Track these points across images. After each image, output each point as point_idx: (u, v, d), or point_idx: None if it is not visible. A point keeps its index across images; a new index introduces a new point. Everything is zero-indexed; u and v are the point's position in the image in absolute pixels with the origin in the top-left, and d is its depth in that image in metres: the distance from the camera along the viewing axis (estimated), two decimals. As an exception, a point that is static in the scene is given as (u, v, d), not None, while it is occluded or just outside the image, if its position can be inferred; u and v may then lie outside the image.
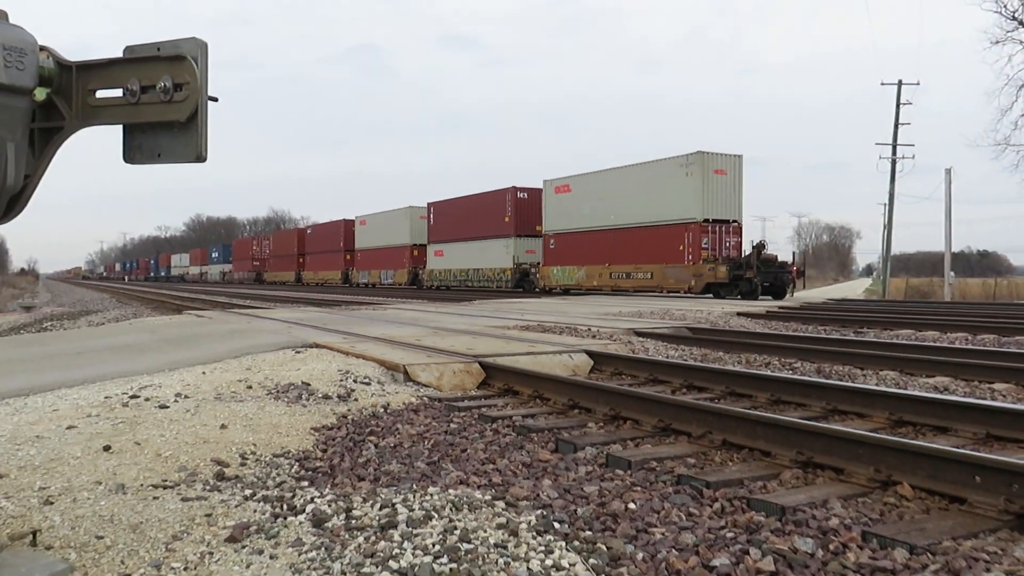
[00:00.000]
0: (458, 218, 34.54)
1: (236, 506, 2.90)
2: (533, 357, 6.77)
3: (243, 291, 38.30)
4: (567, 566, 2.38)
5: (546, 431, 4.37)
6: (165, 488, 3.13)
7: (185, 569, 2.35)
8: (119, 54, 2.18)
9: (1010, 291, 37.77)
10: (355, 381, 5.73)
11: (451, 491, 3.10)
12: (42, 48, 2.11)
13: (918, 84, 37.16)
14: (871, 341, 8.93)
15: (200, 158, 2.14)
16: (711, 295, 22.50)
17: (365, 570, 2.34)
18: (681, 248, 23.16)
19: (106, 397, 4.91)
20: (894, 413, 4.56)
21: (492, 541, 2.55)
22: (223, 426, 4.18)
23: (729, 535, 2.69)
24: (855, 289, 53.63)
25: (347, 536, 2.60)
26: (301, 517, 2.78)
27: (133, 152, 2.25)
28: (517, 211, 30.73)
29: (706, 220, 22.79)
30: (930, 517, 2.88)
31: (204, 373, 5.96)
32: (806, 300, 21.76)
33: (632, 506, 2.98)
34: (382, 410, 4.93)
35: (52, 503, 2.88)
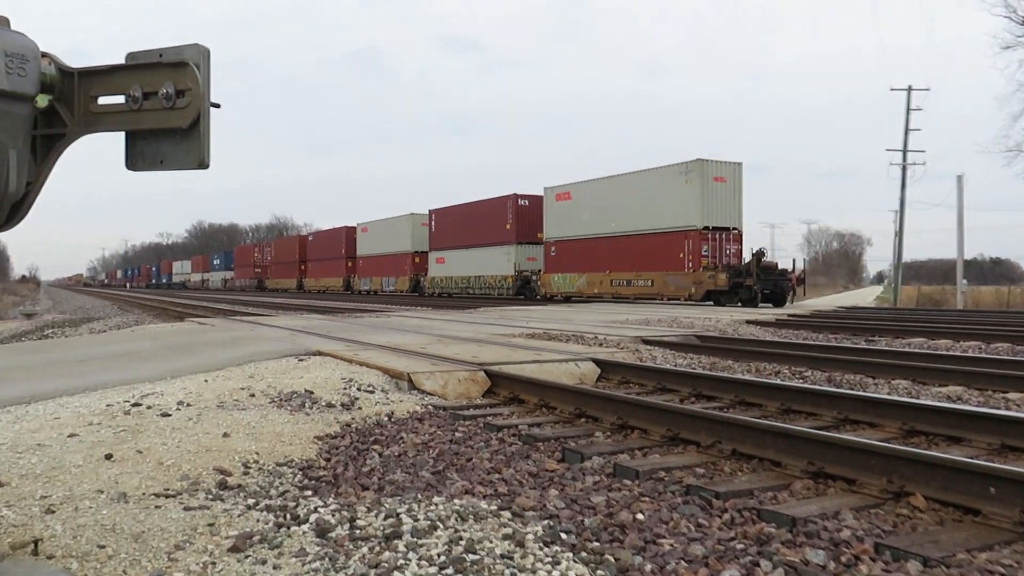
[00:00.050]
0: (460, 225, 34.72)
1: (239, 515, 2.90)
2: (539, 365, 6.76)
3: (245, 298, 38.40)
4: (574, 578, 2.37)
5: (552, 440, 4.36)
6: (167, 497, 3.14)
7: (187, 580, 2.34)
8: (121, 60, 2.19)
9: (1024, 299, 37.56)
10: (359, 389, 5.73)
11: (456, 501, 3.10)
12: (44, 54, 2.12)
13: (928, 90, 37.36)
14: (883, 350, 8.89)
15: (202, 165, 2.16)
16: (711, 302, 22.60)
17: (369, 581, 2.33)
18: (681, 255, 23.31)
19: (108, 405, 4.92)
20: (906, 423, 4.54)
21: (498, 552, 2.54)
22: (226, 434, 4.18)
23: (739, 546, 2.67)
24: (866, 297, 53.44)
25: (351, 546, 2.60)
26: (305, 527, 2.78)
27: (135, 159, 2.26)
28: (518, 218, 30.91)
29: (706, 228, 22.96)
30: (944, 529, 2.86)
31: (206, 381, 5.98)
32: (816, 308, 21.70)
33: (640, 517, 2.97)
34: (386, 419, 4.93)
35: (54, 512, 2.88)
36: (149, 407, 4.83)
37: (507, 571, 2.40)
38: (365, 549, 2.57)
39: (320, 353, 7.63)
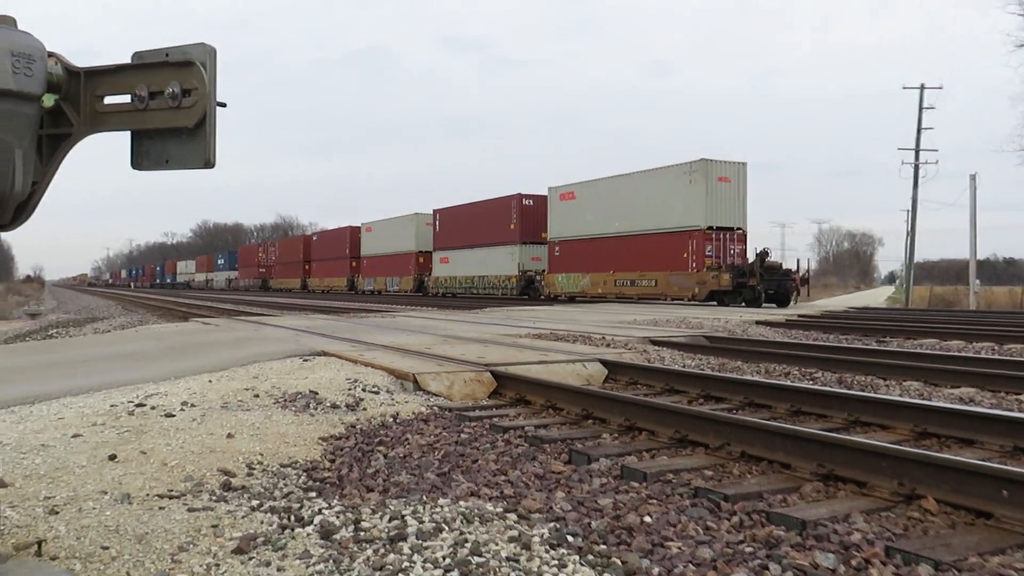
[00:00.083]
0: (464, 225, 34.84)
1: (243, 517, 2.92)
2: (546, 366, 6.77)
3: (249, 298, 38.54)
4: (580, 581, 2.38)
5: (559, 442, 4.36)
6: (171, 498, 3.15)
7: (191, 581, 2.36)
8: (127, 60, 2.21)
9: (1038, 299, 37.33)
10: (364, 390, 5.74)
11: (462, 503, 3.11)
12: (50, 54, 2.14)
13: (941, 88, 37.15)
14: (894, 351, 8.86)
15: (208, 164, 2.17)
16: (715, 303, 22.65)
17: (374, 583, 2.34)
18: (685, 256, 23.38)
19: (112, 405, 4.95)
20: (918, 425, 4.53)
21: (504, 555, 2.55)
22: (230, 435, 4.20)
23: (748, 550, 2.67)
24: (877, 297, 53.22)
25: (356, 548, 2.61)
26: (309, 528, 2.79)
27: (141, 158, 2.28)
28: (522, 218, 30.99)
29: (710, 228, 23.02)
30: (956, 532, 2.85)
31: (211, 381, 6.00)
32: (827, 308, 21.64)
33: (648, 519, 2.97)
34: (391, 420, 4.94)
35: (57, 513, 2.90)
36: (153, 408, 4.86)
37: (513, 574, 2.41)
38: (370, 551, 2.58)
39: (325, 353, 7.65)
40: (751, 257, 22.80)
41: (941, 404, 4.95)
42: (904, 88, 37.46)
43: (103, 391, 5.65)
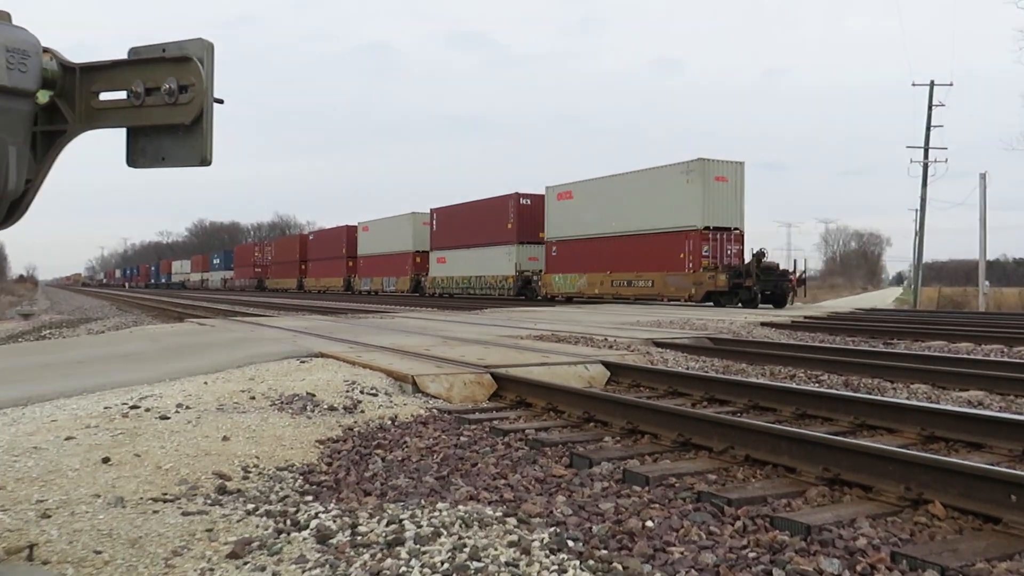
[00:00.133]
0: (461, 224, 34.95)
1: (238, 521, 2.92)
2: (547, 368, 6.77)
3: (245, 298, 38.57)
4: (581, 586, 2.38)
5: (560, 445, 4.37)
6: (165, 502, 3.16)
7: (186, 586, 2.36)
8: (123, 56, 2.21)
9: (1049, 301, 37.30)
10: (362, 392, 5.75)
11: (461, 507, 3.11)
12: (45, 50, 2.14)
13: (951, 85, 37.11)
14: (901, 353, 8.86)
15: (205, 162, 2.17)
16: (711, 303, 22.76)
17: (371, 588, 2.34)
18: (682, 256, 23.50)
19: (105, 407, 4.96)
20: (925, 428, 4.53)
21: (503, 560, 2.55)
22: (225, 438, 4.21)
23: (752, 555, 2.68)
24: (885, 298, 53.21)
25: (352, 553, 2.61)
26: (305, 533, 2.79)
27: (137, 156, 2.28)
28: (520, 218, 31.08)
29: (707, 228, 23.13)
30: (963, 538, 2.85)
31: (206, 383, 6.01)
32: (833, 309, 21.64)
33: (650, 524, 2.98)
34: (389, 422, 4.95)
35: (49, 516, 2.91)
36: (147, 410, 4.86)
37: (513, 579, 2.41)
38: (367, 556, 2.58)
39: (322, 355, 7.66)
40: (749, 258, 22.92)
41: (949, 407, 4.96)
42: (914, 85, 37.24)
43: (97, 393, 5.66)
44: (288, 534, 2.78)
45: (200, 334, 11.31)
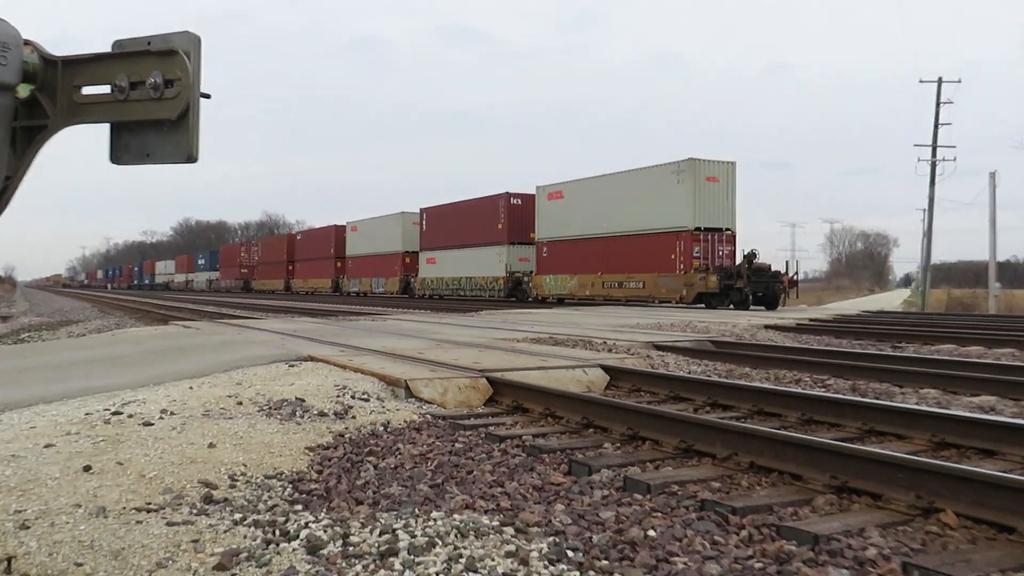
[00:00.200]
0: (451, 224, 35.09)
1: (225, 531, 2.91)
2: (544, 372, 6.77)
3: (231, 300, 38.51)
4: (582, 598, 2.38)
5: (558, 452, 4.36)
6: (149, 511, 3.14)
7: (171, 598, 2.35)
8: (107, 48, 2.20)
9: (1061, 303, 37.44)
10: (353, 397, 5.74)
11: (456, 516, 3.10)
12: (26, 42, 2.13)
13: (959, 81, 37.08)
14: (910, 357, 8.88)
15: (191, 158, 2.17)
16: (702, 305, 22.92)
17: (364, 601, 2.33)
18: (673, 257, 23.69)
19: (87, 414, 4.94)
20: (936, 435, 4.54)
21: (500, 570, 2.54)
22: (211, 445, 4.19)
23: (757, 565, 2.67)
24: (892, 300, 53.37)
25: (344, 564, 2.61)
26: (295, 543, 2.78)
27: (120, 152, 2.27)
28: (510, 218, 31.17)
29: (698, 228, 23.30)
30: (976, 548, 2.86)
31: (191, 388, 5.99)
32: (839, 312, 21.68)
33: (652, 533, 2.98)
34: (382, 428, 4.94)
35: (28, 527, 2.89)
36: (130, 416, 4.85)
37: (511, 591, 2.41)
38: (359, 567, 2.58)
39: (312, 358, 7.65)
40: (741, 259, 23.12)
41: (960, 413, 4.96)
42: (921, 82, 37.39)
43: (78, 398, 5.64)
44: (277, 545, 2.77)
45: (185, 337, 11.28)
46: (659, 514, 3.23)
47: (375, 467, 4.00)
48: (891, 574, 2.58)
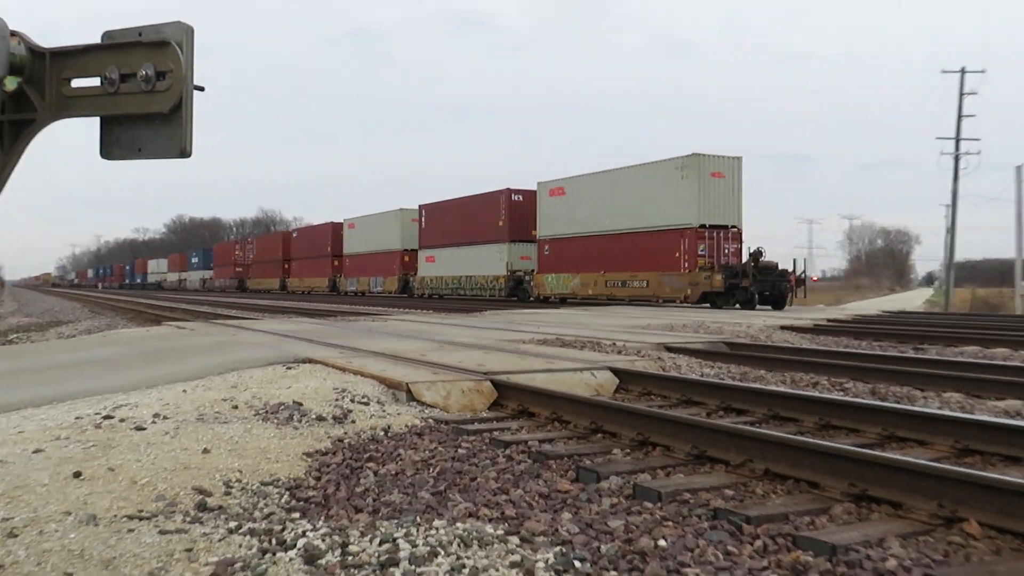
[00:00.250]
0: (450, 222, 35.15)
1: (219, 540, 2.92)
2: (551, 375, 6.77)
3: (226, 300, 38.61)
4: (589, 610, 2.37)
5: (566, 458, 4.36)
6: (141, 519, 3.15)
7: (164, 610, 2.36)
8: (97, 40, 2.21)
9: (1091, 303, 37.25)
10: (352, 400, 5.75)
11: (459, 525, 3.11)
12: (13, 33, 2.14)
13: (984, 71, 37.06)
14: (932, 359, 8.85)
15: (184, 153, 2.17)
16: (708, 304, 22.96)
17: (363, 613, 2.34)
18: (677, 255, 23.70)
19: (77, 418, 4.95)
20: (959, 441, 4.52)
21: (505, 581, 2.54)
22: (206, 450, 4.20)
23: (772, 577, 2.67)
24: (914, 300, 53.25)
25: (343, 575, 2.61)
26: (292, 553, 2.79)
27: (111, 147, 2.28)
28: (511, 215, 31.19)
29: (702, 226, 23.31)
30: (1001, 559, 2.85)
31: (185, 391, 6.01)
32: (858, 312, 21.63)
33: (662, 543, 2.97)
34: (382, 433, 4.95)
35: (16, 535, 2.90)
36: (122, 420, 4.86)
37: (515, 602, 2.40)
38: (359, 577, 2.58)
39: (310, 360, 7.66)
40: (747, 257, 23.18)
41: (984, 418, 4.95)
42: (943, 72, 37.33)
43: (68, 402, 5.66)
44: (273, 554, 2.78)
45: (178, 338, 11.31)
46: (670, 523, 3.23)
47: (375, 473, 4.00)
48: (912, 586, 2.57)
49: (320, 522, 3.19)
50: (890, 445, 4.73)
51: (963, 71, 36.45)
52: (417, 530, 3.01)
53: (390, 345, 9.38)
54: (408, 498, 3.57)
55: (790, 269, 23.02)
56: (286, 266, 55.87)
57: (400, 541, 2.87)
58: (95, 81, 2.20)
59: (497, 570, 2.63)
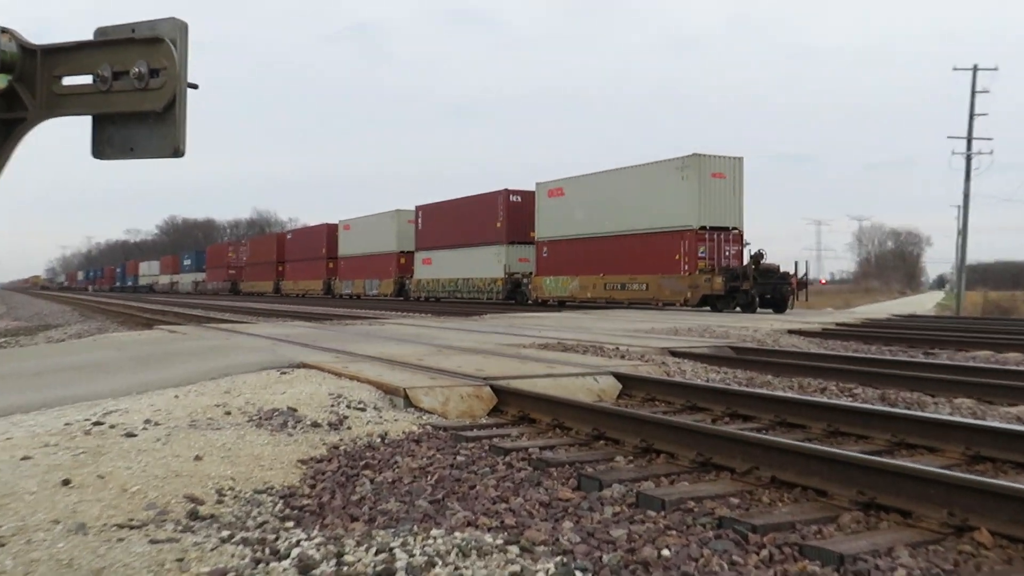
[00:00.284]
0: (447, 223, 35.20)
1: (212, 549, 2.92)
2: (552, 380, 6.77)
3: (219, 303, 38.64)
4: (591, 621, 2.38)
5: (567, 465, 4.36)
6: (131, 528, 3.16)
7: (155, 620, 2.36)
8: (89, 36, 2.22)
9: (1106, 306, 37.26)
10: (348, 406, 5.75)
11: (457, 534, 3.11)
12: (3, 30, 2.15)
13: (996, 69, 36.97)
14: (943, 364, 8.85)
15: (178, 152, 2.18)
16: (708, 308, 23.03)
17: (359, 624, 2.34)
18: (677, 257, 23.77)
19: (66, 424, 4.96)
20: (970, 447, 4.52)
21: (505, 592, 2.55)
22: (198, 457, 4.21)
23: (778, 587, 2.67)
24: (924, 303, 53.24)
25: (339, 584, 2.61)
26: (285, 563, 2.79)
27: (103, 146, 2.28)
28: (509, 216, 31.23)
29: (703, 227, 23.38)
30: (1013, 568, 2.85)
31: (177, 397, 6.01)
32: (868, 316, 21.64)
33: (666, 553, 2.97)
34: (379, 440, 4.95)
35: (3, 545, 2.91)
36: (112, 426, 4.87)
37: (515, 613, 2.41)
38: (355, 587, 2.58)
39: (305, 365, 7.67)
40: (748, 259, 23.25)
41: (996, 424, 4.95)
42: (955, 70, 37.25)
43: (57, 408, 5.66)
44: (267, 564, 2.78)
45: (170, 342, 11.31)
46: (674, 532, 3.23)
47: (371, 481, 4.01)
48: (922, 597, 2.57)
49: (315, 531, 3.19)
50: (900, 452, 4.73)
51: (975, 68, 36.46)
52: (414, 539, 3.02)
53: (387, 349, 9.38)
54: (405, 507, 3.58)
55: (792, 271, 23.08)
56: (280, 268, 55.90)
57: (397, 551, 2.88)
58: (87, 79, 2.21)
59: (496, 580, 2.63)
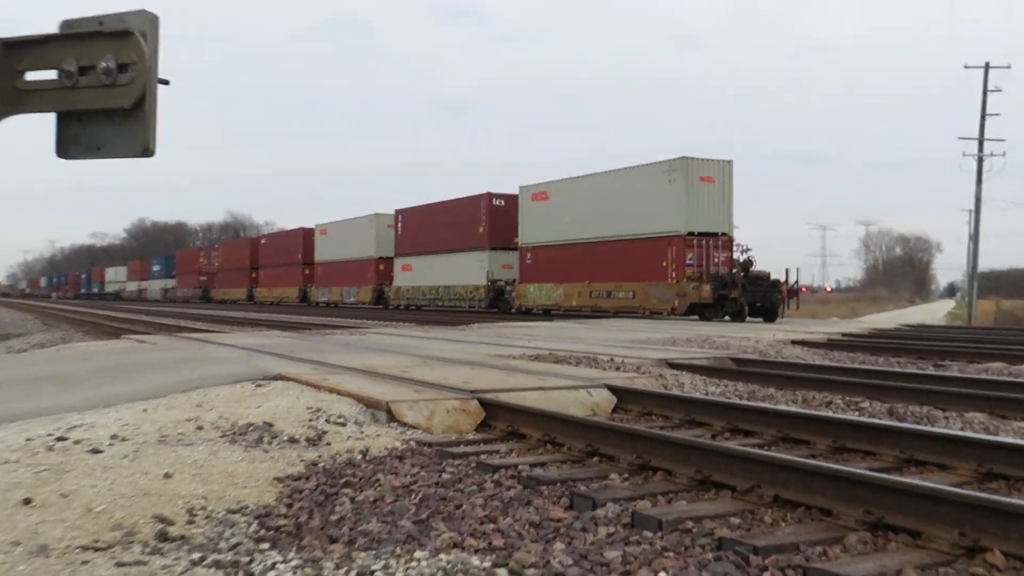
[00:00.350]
0: (428, 228, 35.28)
1: (182, 573, 2.91)
2: (544, 393, 6.78)
3: (190, 311, 38.51)
4: (584, 648, 2.38)
5: (559, 483, 4.37)
6: (96, 550, 3.14)
7: (121, 648, 2.35)
8: (54, 29, 2.22)
9: (1124, 316, 37.61)
10: (328, 421, 5.74)
11: (442, 556, 3.11)
12: (-38, 22, 2.14)
13: (1009, 67, 37.31)
14: (954, 376, 8.90)
15: (147, 151, 2.18)
16: (696, 316, 23.18)
17: (339, 651, 2.33)
18: (664, 264, 23.90)
19: (27, 439, 4.93)
20: (982, 464, 4.55)
21: (493, 617, 2.54)
22: (168, 475, 4.19)
23: (781, 612, 2.68)
24: (935, 313, 53.61)
25: (317, 610, 2.60)
26: (261, 586, 2.78)
27: (68, 145, 2.28)
28: (492, 221, 31.31)
29: (691, 233, 23.52)
30: (1027, 592, 2.86)
31: (146, 411, 5.99)
32: (875, 325, 21.76)
33: (663, 575, 2.98)
34: (360, 456, 4.94)
35: (-39, 567, 2.89)
36: (77, 442, 4.84)
37: (504, 640, 2.40)
38: (334, 613, 2.57)
39: (282, 377, 7.65)
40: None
41: (1010, 440, 4.98)
42: (966, 67, 37.55)
43: (17, 422, 5.63)
44: (241, 588, 2.77)
45: (139, 353, 11.26)
46: (671, 554, 3.24)
47: (352, 500, 4.00)
48: (932, 621, 2.58)
49: (291, 553, 3.18)
50: (908, 469, 4.75)
51: (987, 66, 36.80)
52: (397, 562, 3.01)
53: (369, 360, 9.37)
54: (387, 527, 3.57)
55: (782, 279, 23.20)
56: (254, 275, 55.79)
57: (378, 574, 2.87)
58: (52, 74, 2.21)
59: (484, 605, 2.63)
